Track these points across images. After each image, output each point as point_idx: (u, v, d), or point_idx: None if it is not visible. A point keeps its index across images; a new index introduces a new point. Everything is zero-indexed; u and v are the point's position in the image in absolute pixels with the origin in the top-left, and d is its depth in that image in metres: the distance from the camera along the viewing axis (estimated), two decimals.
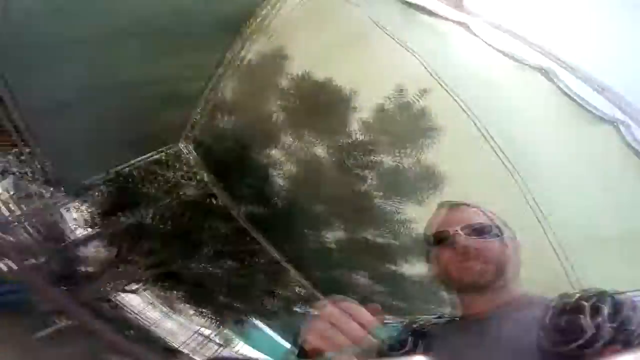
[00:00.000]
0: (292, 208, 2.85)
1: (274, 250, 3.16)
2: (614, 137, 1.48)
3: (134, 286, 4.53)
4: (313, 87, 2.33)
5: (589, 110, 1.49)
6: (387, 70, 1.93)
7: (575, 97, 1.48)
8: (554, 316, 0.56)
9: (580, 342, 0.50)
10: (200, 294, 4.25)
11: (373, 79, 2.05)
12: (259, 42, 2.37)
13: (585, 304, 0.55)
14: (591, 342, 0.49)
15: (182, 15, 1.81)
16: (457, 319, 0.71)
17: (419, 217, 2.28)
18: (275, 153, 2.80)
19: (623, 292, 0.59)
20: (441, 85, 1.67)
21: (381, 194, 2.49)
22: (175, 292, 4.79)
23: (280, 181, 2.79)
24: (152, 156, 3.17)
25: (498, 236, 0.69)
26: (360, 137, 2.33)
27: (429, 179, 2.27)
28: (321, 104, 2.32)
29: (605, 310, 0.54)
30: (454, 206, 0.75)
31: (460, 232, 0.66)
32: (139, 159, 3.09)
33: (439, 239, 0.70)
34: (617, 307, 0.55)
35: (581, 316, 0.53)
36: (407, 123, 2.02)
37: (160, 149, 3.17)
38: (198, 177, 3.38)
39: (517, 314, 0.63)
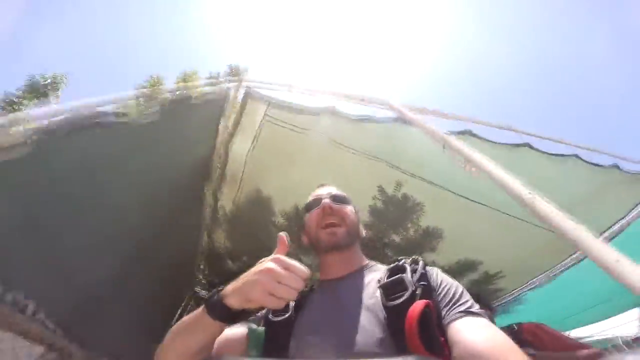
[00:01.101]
0: None
1: None
2: None
3: None
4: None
5: None
6: (363, 179, 2.49)
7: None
8: (388, 276, 0.65)
9: (405, 296, 0.56)
10: None
11: (356, 189, 2.62)
12: (231, 192, 2.57)
13: (407, 265, 0.66)
14: (412, 296, 0.56)
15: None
16: (323, 281, 0.80)
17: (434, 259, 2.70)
18: None
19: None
20: (407, 174, 2.25)
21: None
22: None
23: None
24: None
25: (352, 207, 0.87)
26: (367, 235, 2.76)
27: (432, 235, 2.70)
28: None
29: (419, 268, 0.65)
30: (323, 185, 0.96)
31: (326, 197, 0.83)
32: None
33: (310, 205, 0.86)
34: (426, 268, 0.66)
35: (403, 275, 0.62)
36: (398, 209, 2.52)
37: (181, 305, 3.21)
38: None
39: (365, 277, 0.73)
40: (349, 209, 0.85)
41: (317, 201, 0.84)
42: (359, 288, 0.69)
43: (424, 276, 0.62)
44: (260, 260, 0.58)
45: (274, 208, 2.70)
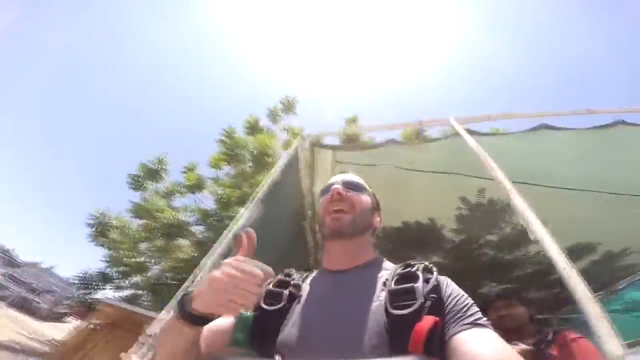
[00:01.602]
0: None
1: None
2: None
3: None
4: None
5: None
6: (442, 194, 2.54)
7: None
8: (397, 282, 0.60)
9: (414, 308, 0.53)
10: None
11: (438, 204, 2.68)
12: None
13: (420, 273, 0.60)
14: (420, 309, 0.53)
15: None
16: (325, 271, 0.76)
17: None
18: None
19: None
20: (486, 178, 2.20)
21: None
22: None
23: None
24: None
25: (368, 195, 0.81)
26: (459, 239, 2.86)
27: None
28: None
29: (432, 279, 0.58)
30: (342, 172, 0.93)
31: (338, 183, 0.80)
32: None
33: (323, 192, 0.83)
34: (438, 279, 0.60)
35: (415, 285, 0.57)
36: (486, 213, 2.49)
37: None
38: None
39: (370, 274, 0.67)
40: (362, 196, 0.79)
41: (329, 187, 0.80)
42: (361, 286, 0.65)
43: (436, 288, 0.57)
44: (224, 261, 0.55)
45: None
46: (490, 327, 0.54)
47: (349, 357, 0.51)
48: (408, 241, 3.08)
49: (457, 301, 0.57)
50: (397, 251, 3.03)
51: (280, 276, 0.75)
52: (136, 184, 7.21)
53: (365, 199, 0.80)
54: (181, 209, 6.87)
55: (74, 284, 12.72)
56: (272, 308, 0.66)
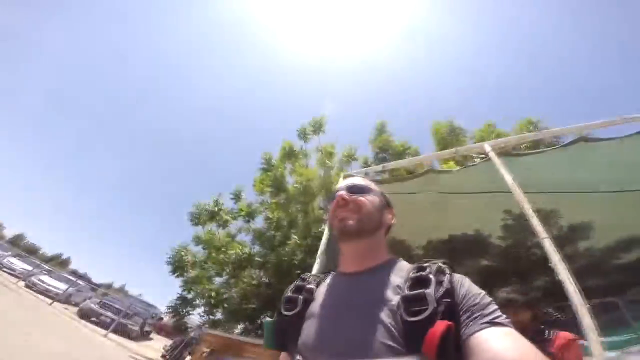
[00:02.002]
0: None
1: None
2: None
3: None
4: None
5: None
6: (486, 210, 2.76)
7: None
8: (410, 287, 0.59)
9: (426, 314, 0.52)
10: None
11: (484, 219, 2.92)
12: None
13: (432, 277, 0.58)
14: (434, 314, 0.52)
15: None
16: (339, 273, 0.76)
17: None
18: None
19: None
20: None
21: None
22: None
23: None
24: None
25: (375, 196, 0.79)
26: (505, 244, 3.11)
27: (580, 228, 2.73)
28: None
29: (444, 282, 0.57)
30: (347, 176, 1.04)
31: (342, 189, 0.80)
32: None
33: (331, 198, 0.82)
34: (452, 280, 0.58)
35: (427, 291, 0.55)
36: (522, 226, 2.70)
37: None
38: None
39: (384, 277, 0.66)
40: (368, 198, 0.79)
41: (334, 194, 0.82)
42: (374, 288, 0.65)
43: (449, 291, 0.56)
44: None
45: (410, 245, 3.30)
46: (510, 325, 0.52)
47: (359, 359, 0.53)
48: (455, 250, 3.32)
49: (473, 300, 0.56)
50: (445, 258, 3.33)
51: (297, 281, 0.79)
52: (195, 220, 8.11)
53: (372, 198, 0.79)
54: (237, 232, 7.62)
55: (151, 305, 14.16)
56: (289, 313, 0.70)
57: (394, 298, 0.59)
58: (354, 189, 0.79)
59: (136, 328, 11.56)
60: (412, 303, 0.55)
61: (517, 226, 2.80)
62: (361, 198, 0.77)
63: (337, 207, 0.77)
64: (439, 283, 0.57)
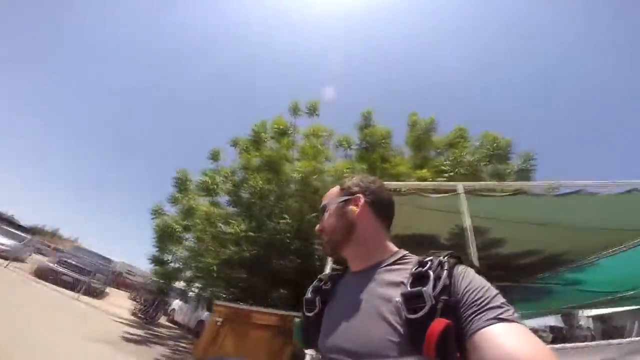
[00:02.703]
0: None
1: None
2: None
3: None
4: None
5: None
6: (440, 221, 3.89)
7: None
8: (411, 284, 0.59)
9: (424, 311, 0.53)
10: None
11: (436, 225, 4.03)
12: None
13: (431, 272, 0.58)
14: (432, 311, 0.52)
15: None
16: (349, 272, 0.79)
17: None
18: None
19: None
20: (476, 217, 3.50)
21: None
22: None
23: None
24: None
25: (336, 204, 0.80)
26: (449, 244, 4.34)
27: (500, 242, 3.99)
28: None
29: (442, 279, 0.56)
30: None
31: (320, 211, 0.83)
32: None
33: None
34: (453, 275, 0.58)
35: (424, 288, 0.55)
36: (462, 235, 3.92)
37: None
38: None
39: (386, 273, 0.68)
40: (326, 216, 0.81)
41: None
42: (379, 287, 0.65)
43: (446, 288, 0.55)
44: None
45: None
46: (518, 320, 0.50)
47: (365, 357, 0.56)
48: (414, 244, 4.49)
49: (475, 295, 0.54)
50: (407, 249, 4.52)
51: (315, 282, 0.82)
52: (180, 186, 8.28)
53: (328, 214, 0.80)
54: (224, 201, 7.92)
55: (107, 258, 13.86)
56: (310, 314, 0.76)
57: (397, 295, 0.59)
58: (322, 211, 0.83)
59: (99, 286, 11.31)
60: (411, 300, 0.55)
61: (460, 234, 3.96)
62: (322, 222, 0.81)
63: (320, 234, 0.83)
64: (438, 279, 0.56)
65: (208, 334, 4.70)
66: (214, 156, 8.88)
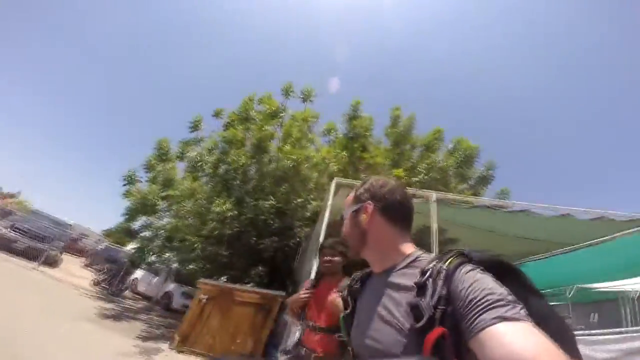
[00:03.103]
0: None
1: None
2: None
3: None
4: None
5: None
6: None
7: None
8: (416, 292, 0.61)
9: (422, 322, 0.55)
10: None
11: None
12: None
13: (429, 282, 0.60)
14: (430, 321, 0.54)
15: None
16: (372, 273, 0.84)
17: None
18: None
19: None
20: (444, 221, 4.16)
21: None
22: None
23: None
24: None
25: (345, 219, 0.85)
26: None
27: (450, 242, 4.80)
28: None
29: (438, 289, 0.58)
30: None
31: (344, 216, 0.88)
32: None
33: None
34: (452, 280, 0.58)
35: (420, 301, 0.58)
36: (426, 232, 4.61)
37: None
38: None
39: (400, 277, 0.69)
40: (345, 225, 0.86)
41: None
42: (389, 291, 0.69)
43: (442, 298, 0.56)
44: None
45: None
46: (525, 318, 0.48)
47: (379, 354, 0.62)
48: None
49: (478, 296, 0.53)
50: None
51: (349, 282, 0.90)
52: (162, 156, 8.22)
53: (346, 223, 0.85)
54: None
55: (62, 223, 12.79)
56: (346, 312, 0.84)
57: (407, 299, 0.62)
58: (342, 219, 0.88)
59: (55, 252, 10.20)
60: (415, 309, 0.58)
61: (424, 231, 4.63)
62: (343, 232, 0.86)
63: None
64: (435, 289, 0.57)
65: (193, 311, 4.93)
66: (195, 125, 8.73)
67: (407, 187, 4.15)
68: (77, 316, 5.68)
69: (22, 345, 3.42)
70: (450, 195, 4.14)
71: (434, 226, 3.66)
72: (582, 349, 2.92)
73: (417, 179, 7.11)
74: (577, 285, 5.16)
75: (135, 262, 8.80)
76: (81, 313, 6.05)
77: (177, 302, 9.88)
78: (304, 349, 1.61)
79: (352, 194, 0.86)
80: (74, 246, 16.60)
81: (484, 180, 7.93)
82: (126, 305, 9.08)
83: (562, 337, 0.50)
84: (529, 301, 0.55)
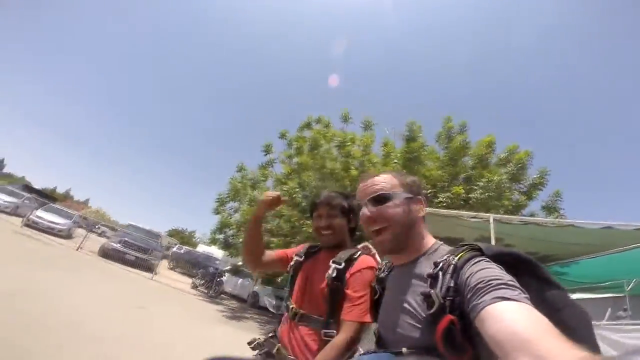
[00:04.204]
0: None
1: None
2: None
3: None
4: None
5: None
6: (472, 233, 5.49)
7: None
8: (430, 283, 0.66)
9: (434, 309, 0.60)
10: None
11: (469, 234, 5.64)
12: None
13: (440, 274, 0.64)
14: (441, 309, 0.59)
15: None
16: (394, 264, 0.88)
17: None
18: None
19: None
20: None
21: None
22: None
23: None
24: None
25: (395, 199, 0.79)
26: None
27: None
28: None
29: (447, 280, 0.62)
30: (365, 178, 0.87)
31: (365, 204, 0.81)
32: None
33: (360, 206, 0.84)
34: (460, 273, 0.61)
35: (432, 291, 0.62)
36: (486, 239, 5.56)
37: None
38: None
39: (419, 270, 0.73)
40: (390, 208, 0.78)
41: (360, 205, 0.83)
42: (412, 281, 0.72)
43: (450, 289, 0.60)
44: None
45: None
46: (524, 301, 0.50)
47: (397, 337, 0.68)
48: (450, 243, 6.11)
49: (482, 280, 0.56)
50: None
51: (376, 272, 0.97)
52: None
53: (394, 207, 0.78)
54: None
55: (156, 234, 15.35)
56: (375, 297, 0.89)
57: (422, 289, 0.67)
58: (376, 200, 0.79)
59: (156, 262, 11.69)
60: (428, 298, 0.63)
61: (484, 239, 5.56)
62: (387, 212, 0.77)
63: (367, 224, 0.81)
64: (444, 280, 0.62)
65: None
66: (267, 149, 10.82)
67: (466, 205, 5.33)
68: (208, 319, 6.47)
69: (181, 352, 3.75)
70: (505, 216, 5.00)
71: (492, 241, 4.60)
72: (611, 335, 3.58)
73: (473, 195, 7.49)
74: (636, 279, 5.63)
75: (236, 270, 10.58)
76: (209, 316, 6.88)
77: (262, 300, 11.51)
78: (277, 346, 1.09)
79: (390, 177, 0.84)
80: (166, 255, 19.17)
81: (535, 187, 8.12)
82: (229, 306, 10.23)
83: (578, 324, 0.55)
84: (544, 292, 0.59)
